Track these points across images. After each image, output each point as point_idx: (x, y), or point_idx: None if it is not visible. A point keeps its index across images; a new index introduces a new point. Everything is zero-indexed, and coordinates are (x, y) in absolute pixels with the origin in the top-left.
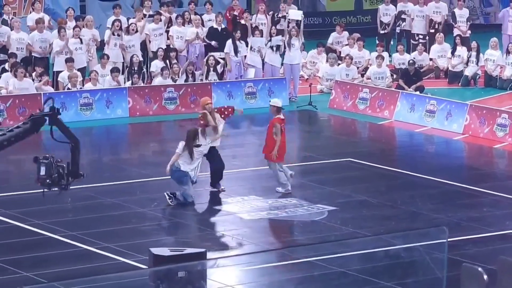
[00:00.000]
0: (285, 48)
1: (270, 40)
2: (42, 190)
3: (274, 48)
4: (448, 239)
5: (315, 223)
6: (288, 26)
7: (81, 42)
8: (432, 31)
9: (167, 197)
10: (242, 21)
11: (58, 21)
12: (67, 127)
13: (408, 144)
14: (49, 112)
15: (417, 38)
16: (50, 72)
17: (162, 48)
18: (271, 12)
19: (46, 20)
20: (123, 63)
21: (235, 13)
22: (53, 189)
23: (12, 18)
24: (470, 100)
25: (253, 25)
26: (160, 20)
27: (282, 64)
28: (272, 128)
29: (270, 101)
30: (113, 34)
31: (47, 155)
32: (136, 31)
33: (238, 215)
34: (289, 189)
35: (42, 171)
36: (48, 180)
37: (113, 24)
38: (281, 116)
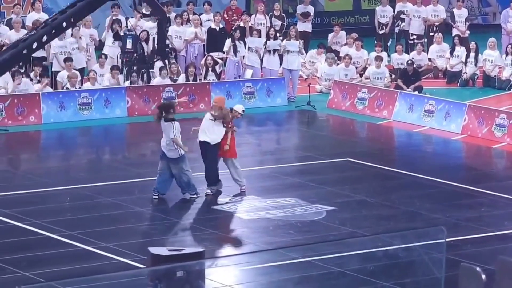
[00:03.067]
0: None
1: (266, 42)
2: None
3: (271, 52)
4: (447, 239)
5: (314, 223)
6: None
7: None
8: (432, 34)
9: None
10: (242, 24)
11: None
12: None
13: (406, 144)
14: None
15: (411, 37)
16: (49, 72)
17: None
18: (270, 13)
19: None
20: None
21: (235, 17)
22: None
23: (13, 18)
24: (468, 100)
25: (252, 26)
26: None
27: (280, 63)
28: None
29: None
30: (112, 31)
31: (130, 28)
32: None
33: (236, 215)
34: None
35: (129, 44)
36: (135, 55)
37: (112, 24)
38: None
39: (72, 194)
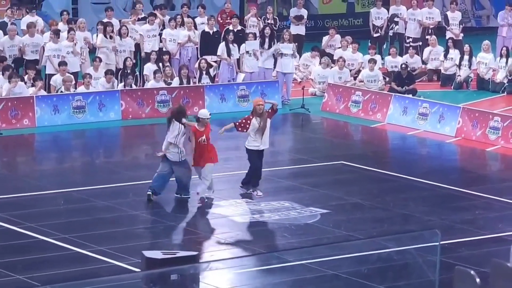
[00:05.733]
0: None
1: (270, 46)
2: None
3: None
4: (441, 242)
5: (308, 226)
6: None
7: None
8: (428, 37)
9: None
10: (230, 27)
11: (49, 23)
12: None
13: (400, 147)
14: None
15: (408, 40)
16: (42, 76)
17: (155, 51)
18: (263, 16)
19: (40, 24)
20: (115, 66)
21: (229, 20)
22: None
23: (9, 23)
24: (462, 103)
25: (244, 29)
26: (154, 22)
27: (275, 65)
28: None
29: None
30: (105, 37)
31: None
32: (127, 35)
33: (231, 218)
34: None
35: None
36: None
37: (105, 28)
38: (197, 127)
39: (66, 197)
